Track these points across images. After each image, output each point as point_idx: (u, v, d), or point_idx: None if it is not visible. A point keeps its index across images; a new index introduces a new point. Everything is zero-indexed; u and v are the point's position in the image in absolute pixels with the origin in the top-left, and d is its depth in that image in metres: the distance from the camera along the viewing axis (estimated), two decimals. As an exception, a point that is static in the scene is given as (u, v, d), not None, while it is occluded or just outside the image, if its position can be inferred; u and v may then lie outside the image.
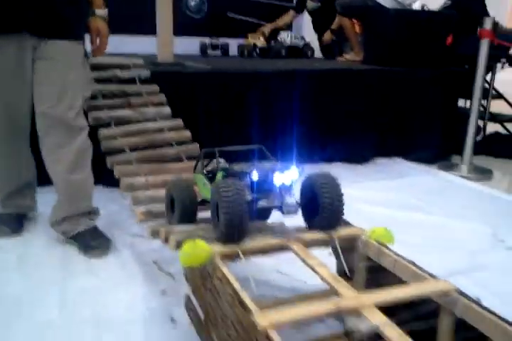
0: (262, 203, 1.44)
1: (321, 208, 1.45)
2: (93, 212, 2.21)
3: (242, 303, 1.03)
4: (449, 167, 3.66)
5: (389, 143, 3.88)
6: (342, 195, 1.47)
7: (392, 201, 2.88)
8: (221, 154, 1.66)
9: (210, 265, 1.21)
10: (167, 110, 2.66)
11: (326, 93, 3.62)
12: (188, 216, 1.69)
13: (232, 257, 1.28)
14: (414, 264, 1.28)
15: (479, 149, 4.06)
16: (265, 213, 1.65)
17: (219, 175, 1.56)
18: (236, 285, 1.09)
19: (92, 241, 2.09)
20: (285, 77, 3.43)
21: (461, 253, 2.24)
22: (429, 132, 3.91)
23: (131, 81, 2.81)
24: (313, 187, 1.47)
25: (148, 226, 1.73)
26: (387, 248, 1.40)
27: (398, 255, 1.34)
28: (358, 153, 3.76)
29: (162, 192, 1.91)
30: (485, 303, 1.11)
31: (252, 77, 3.34)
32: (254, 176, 1.41)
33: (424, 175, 3.49)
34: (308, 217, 1.53)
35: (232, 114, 3.25)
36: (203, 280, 1.26)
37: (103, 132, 2.36)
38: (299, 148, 3.42)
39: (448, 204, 2.91)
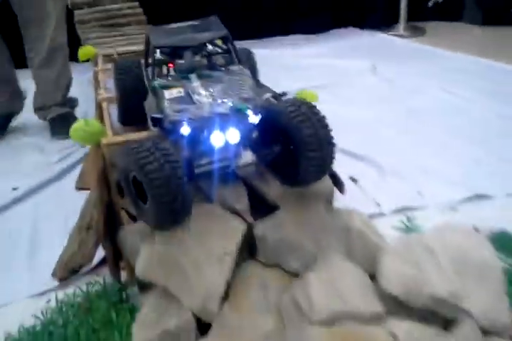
0: (200, 168, 1.07)
1: (302, 159, 1.02)
2: (68, 102, 2.55)
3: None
4: (391, 29, 4.27)
5: (344, 14, 4.48)
6: (330, 130, 1.03)
7: (316, 54, 3.61)
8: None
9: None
10: (128, -6, 3.50)
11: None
12: (132, 112, 1.32)
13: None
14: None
15: (432, 14, 4.60)
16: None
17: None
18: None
19: (58, 128, 2.38)
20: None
21: (340, 77, 3.00)
22: (378, 1, 4.46)
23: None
24: (281, 127, 1.04)
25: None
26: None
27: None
28: (315, 24, 4.40)
29: (108, 40, 2.81)
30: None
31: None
32: (184, 131, 1.00)
33: (362, 36, 4.14)
34: (277, 170, 1.12)
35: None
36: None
37: (77, 12, 3.25)
38: (257, 22, 4.13)
39: (359, 52, 3.59)
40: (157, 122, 1.00)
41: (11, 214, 1.73)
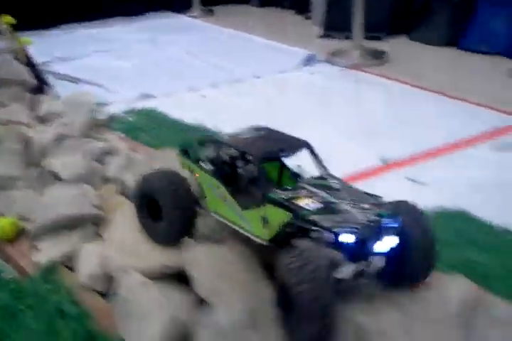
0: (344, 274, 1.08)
1: (410, 260, 1.15)
2: None
3: None
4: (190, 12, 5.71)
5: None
6: (433, 237, 1.18)
7: (121, 31, 4.96)
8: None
9: None
10: None
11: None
12: (181, 230, 1.40)
13: None
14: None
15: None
16: None
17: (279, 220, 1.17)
18: None
19: None
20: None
21: (126, 45, 4.39)
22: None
23: None
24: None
25: None
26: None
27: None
28: (136, 9, 5.70)
29: None
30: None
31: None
32: (347, 239, 1.04)
33: (165, 17, 5.54)
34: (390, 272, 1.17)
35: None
36: None
37: None
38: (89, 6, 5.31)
39: (153, 28, 5.00)
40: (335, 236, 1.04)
41: None
